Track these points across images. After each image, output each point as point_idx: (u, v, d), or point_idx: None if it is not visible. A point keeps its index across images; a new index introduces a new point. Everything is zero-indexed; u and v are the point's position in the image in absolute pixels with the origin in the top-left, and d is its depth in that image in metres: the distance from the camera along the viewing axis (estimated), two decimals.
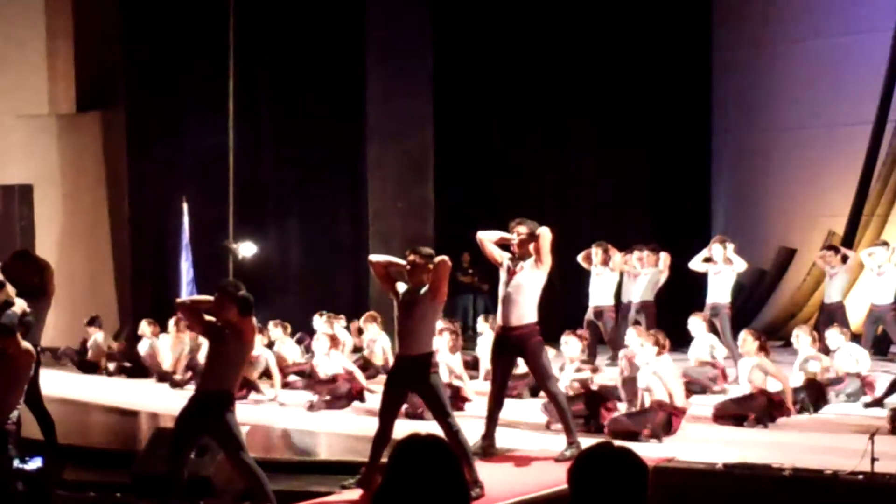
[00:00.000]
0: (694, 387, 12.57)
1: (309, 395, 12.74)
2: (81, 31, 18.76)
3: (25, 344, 8.09)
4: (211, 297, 8.19)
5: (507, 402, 10.00)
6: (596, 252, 13.84)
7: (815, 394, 11.52)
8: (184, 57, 17.92)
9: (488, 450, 9.53)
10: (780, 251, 19.26)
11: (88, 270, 18.61)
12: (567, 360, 11.03)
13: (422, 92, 18.24)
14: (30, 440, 9.50)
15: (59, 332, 15.91)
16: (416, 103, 18.18)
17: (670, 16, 19.43)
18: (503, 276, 9.54)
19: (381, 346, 14.66)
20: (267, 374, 13.30)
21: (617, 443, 3.67)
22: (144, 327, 15.63)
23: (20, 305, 9.13)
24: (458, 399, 11.49)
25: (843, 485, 8.24)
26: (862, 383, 11.90)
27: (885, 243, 14.38)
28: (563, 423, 9.55)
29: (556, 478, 8.21)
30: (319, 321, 14.23)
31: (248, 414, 11.22)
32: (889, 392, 11.47)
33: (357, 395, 12.44)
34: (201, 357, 14.31)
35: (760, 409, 10.75)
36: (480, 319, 14.79)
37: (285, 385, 13.60)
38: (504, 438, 9.95)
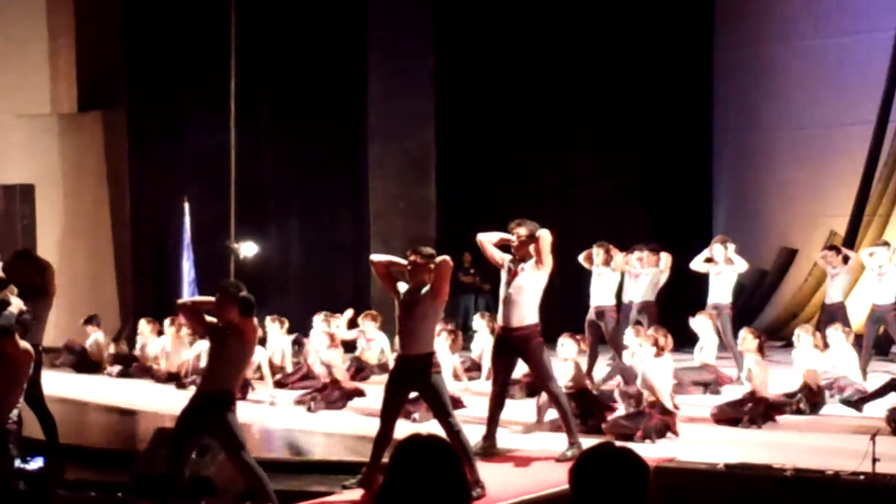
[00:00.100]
0: (697, 387, 12.67)
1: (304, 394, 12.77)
2: (83, 30, 18.76)
3: (24, 343, 8.09)
4: (212, 298, 8.20)
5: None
6: (597, 252, 13.83)
7: (813, 395, 11.53)
8: (185, 56, 17.93)
9: (489, 450, 9.54)
10: (781, 251, 19.26)
11: (90, 270, 18.61)
12: (562, 362, 11.04)
13: (423, 92, 18.26)
14: (31, 440, 9.51)
15: (60, 331, 15.90)
16: (416, 103, 18.20)
17: (671, 16, 19.42)
18: (504, 277, 9.55)
19: (378, 345, 14.64)
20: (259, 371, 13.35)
21: (618, 443, 3.68)
22: (143, 326, 15.62)
23: (17, 305, 9.13)
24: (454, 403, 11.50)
25: (844, 485, 8.25)
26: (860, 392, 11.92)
27: (886, 243, 14.36)
28: (565, 424, 9.56)
29: (557, 478, 8.22)
30: (318, 321, 14.18)
31: (247, 414, 11.23)
32: (875, 395, 11.44)
33: (354, 392, 12.45)
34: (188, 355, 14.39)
35: (754, 412, 10.78)
36: (477, 317, 14.80)
37: (278, 385, 13.61)
38: (505, 439, 9.97)
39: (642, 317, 13.82)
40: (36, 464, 9.02)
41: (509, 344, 9.59)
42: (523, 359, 9.79)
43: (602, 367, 13.88)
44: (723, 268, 13.99)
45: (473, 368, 14.07)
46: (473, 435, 9.19)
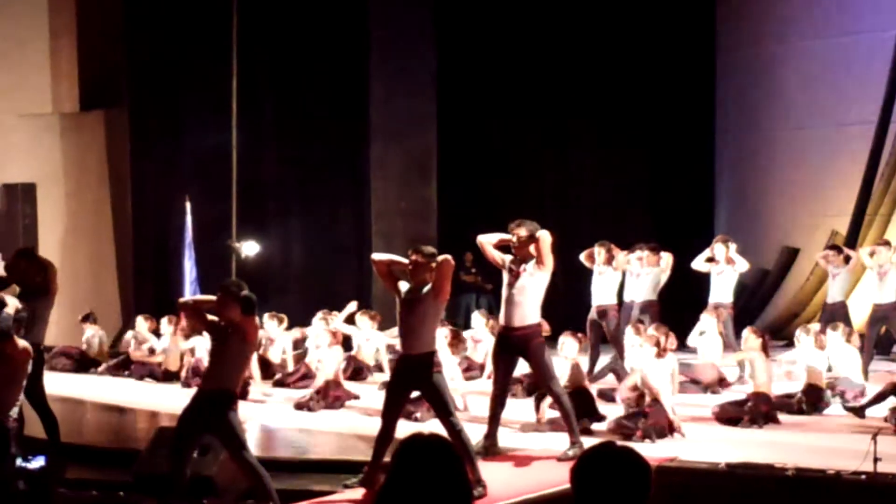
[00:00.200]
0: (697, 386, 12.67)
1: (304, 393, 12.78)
2: (84, 30, 18.76)
3: (22, 342, 8.12)
4: (213, 297, 8.21)
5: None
6: (599, 251, 13.83)
7: (814, 395, 11.52)
8: (187, 56, 17.94)
9: (491, 449, 9.54)
10: (782, 251, 19.27)
11: (91, 269, 18.60)
12: (563, 360, 11.04)
13: (424, 92, 18.27)
14: (33, 439, 9.51)
15: (61, 331, 15.87)
16: (418, 103, 18.21)
17: (672, 16, 19.42)
18: (507, 277, 9.54)
19: (374, 345, 14.54)
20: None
21: (619, 443, 3.68)
22: (140, 323, 15.51)
23: (13, 304, 9.15)
24: None
25: (845, 485, 8.26)
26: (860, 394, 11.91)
27: (888, 243, 14.36)
28: (567, 423, 9.56)
29: (558, 477, 8.21)
30: (317, 320, 14.14)
31: (248, 413, 11.23)
32: (876, 400, 11.40)
33: (348, 396, 12.46)
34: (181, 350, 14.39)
35: (754, 411, 10.78)
36: (476, 314, 14.78)
37: (278, 384, 13.60)
38: (506, 438, 9.97)
39: (645, 316, 13.81)
40: (37, 463, 9.03)
41: (510, 343, 9.59)
42: (524, 358, 9.78)
43: (602, 366, 13.87)
44: (724, 267, 14.00)
45: (473, 369, 14.06)
46: (475, 434, 9.19)
